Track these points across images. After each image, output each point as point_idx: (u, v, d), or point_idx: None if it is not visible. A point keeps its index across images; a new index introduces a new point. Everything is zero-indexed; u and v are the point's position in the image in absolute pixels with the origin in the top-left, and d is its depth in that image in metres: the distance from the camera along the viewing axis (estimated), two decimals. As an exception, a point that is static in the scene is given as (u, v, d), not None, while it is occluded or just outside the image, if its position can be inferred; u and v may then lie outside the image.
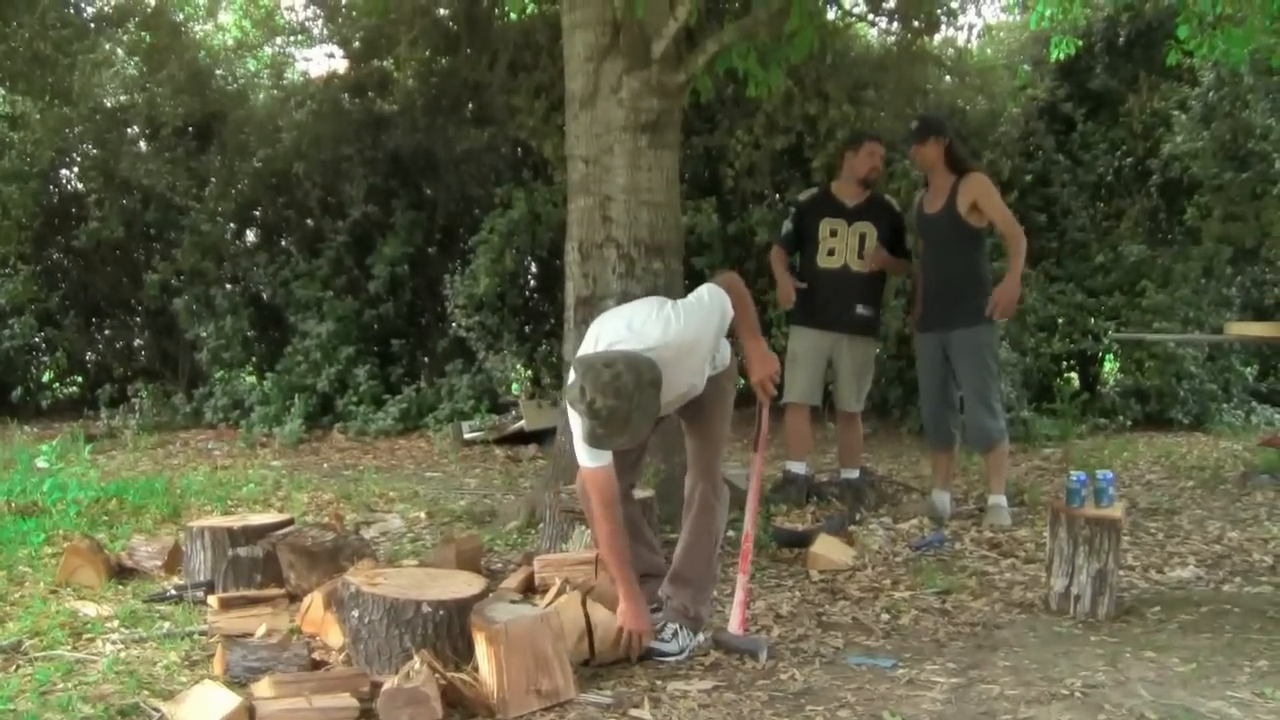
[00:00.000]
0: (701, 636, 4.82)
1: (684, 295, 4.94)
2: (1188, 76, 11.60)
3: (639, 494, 5.70)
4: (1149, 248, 11.90)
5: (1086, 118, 12.07)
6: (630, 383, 4.24)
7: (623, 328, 4.63)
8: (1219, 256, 11.65)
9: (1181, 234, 12.25)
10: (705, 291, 4.73)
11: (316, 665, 4.45)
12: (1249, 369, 12.35)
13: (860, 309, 7.71)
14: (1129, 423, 11.48)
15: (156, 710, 4.05)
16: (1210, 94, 11.47)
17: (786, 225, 7.96)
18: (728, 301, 4.68)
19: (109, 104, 13.61)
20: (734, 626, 4.88)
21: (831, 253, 7.66)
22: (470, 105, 12.91)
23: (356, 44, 13.06)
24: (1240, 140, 11.40)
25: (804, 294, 7.75)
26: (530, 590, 5.48)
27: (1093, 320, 11.73)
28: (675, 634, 4.75)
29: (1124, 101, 12.03)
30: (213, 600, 5.23)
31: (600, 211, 6.96)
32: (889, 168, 10.82)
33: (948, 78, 12.69)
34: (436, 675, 4.01)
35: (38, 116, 13.34)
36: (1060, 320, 11.66)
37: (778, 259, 7.93)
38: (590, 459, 4.59)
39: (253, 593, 5.29)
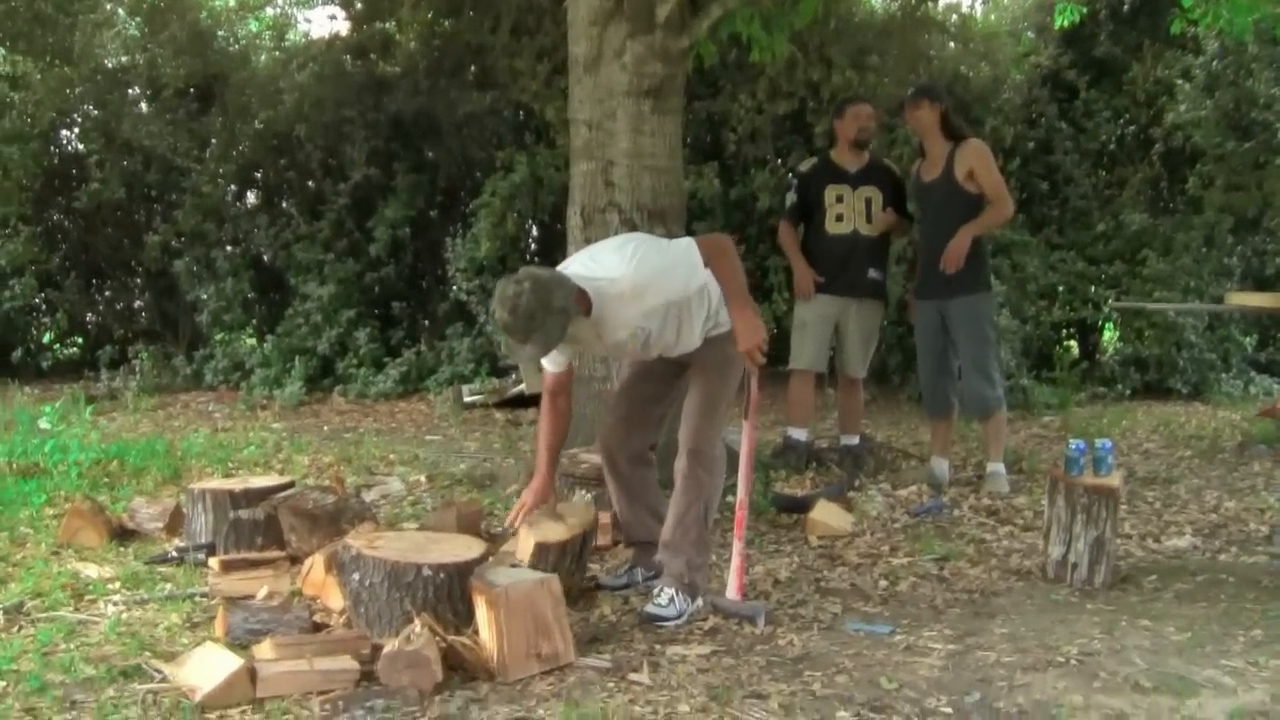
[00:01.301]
0: (699, 601, 4.84)
1: None
2: (1191, 45, 11.56)
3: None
4: (1150, 216, 11.89)
5: (1090, 85, 12.02)
6: (530, 303, 4.37)
7: (586, 256, 4.85)
8: (1220, 226, 11.64)
9: (1183, 203, 12.23)
10: (682, 241, 4.77)
11: (317, 628, 4.48)
12: (1249, 339, 12.36)
13: (872, 272, 7.73)
14: (1128, 391, 11.49)
15: (159, 671, 4.08)
16: (1214, 63, 11.44)
17: (791, 197, 7.95)
18: (698, 257, 4.67)
19: (110, 64, 13.55)
20: (731, 592, 4.91)
21: (840, 218, 7.66)
22: (472, 68, 12.85)
23: (359, 5, 13.00)
24: (1243, 110, 11.37)
25: (813, 261, 7.75)
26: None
27: (1093, 288, 11.72)
28: (672, 599, 4.77)
29: (1128, 70, 11.99)
30: (214, 562, 5.26)
31: (603, 176, 6.95)
32: (890, 134, 10.83)
33: (951, 44, 12.66)
34: (437, 638, 4.04)
35: (38, 77, 13.29)
36: (1061, 288, 11.66)
37: (788, 239, 7.91)
38: (506, 352, 4.79)
39: (254, 555, 5.31)
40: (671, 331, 4.81)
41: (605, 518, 5.71)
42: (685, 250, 4.70)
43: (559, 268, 4.79)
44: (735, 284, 4.75)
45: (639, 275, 4.60)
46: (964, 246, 7.16)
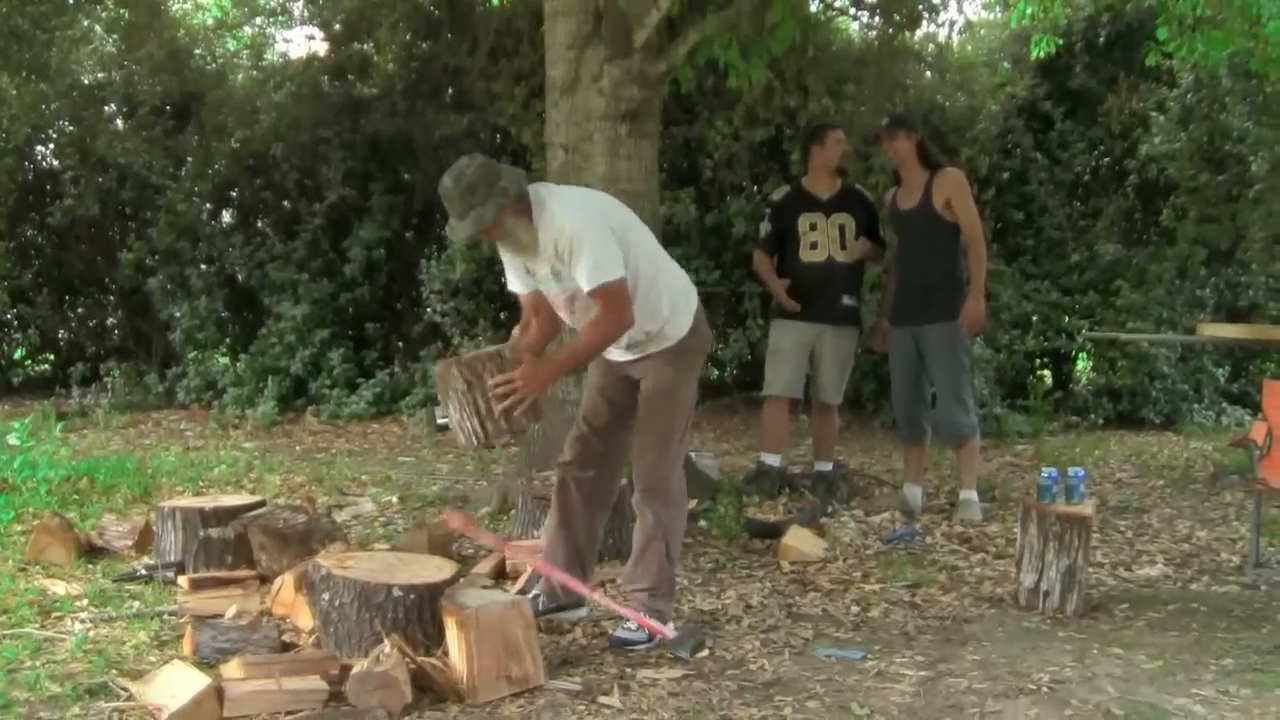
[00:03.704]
0: (670, 627, 4.80)
1: None
2: (1166, 78, 11.62)
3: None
4: (1124, 247, 11.93)
5: (1065, 116, 12.06)
6: (472, 178, 4.47)
7: (560, 187, 4.94)
8: (1194, 258, 11.68)
9: (1157, 234, 12.28)
10: (578, 237, 4.51)
11: (286, 647, 4.47)
12: (1221, 370, 12.38)
13: (846, 299, 7.74)
14: (1101, 421, 11.50)
15: (125, 690, 4.05)
16: (1188, 96, 11.51)
17: (765, 226, 7.97)
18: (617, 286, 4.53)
19: (86, 81, 13.55)
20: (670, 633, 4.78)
21: (814, 246, 7.67)
22: (450, 90, 12.86)
23: (337, 26, 12.99)
24: (1217, 143, 11.43)
25: (788, 289, 7.75)
26: (501, 576, 5.51)
27: (1067, 318, 11.73)
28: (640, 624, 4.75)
29: (1103, 101, 12.04)
30: (183, 581, 5.24)
31: (578, 199, 6.95)
32: (866, 162, 10.85)
33: (928, 73, 12.70)
34: (406, 659, 4.02)
35: (14, 92, 13.24)
36: (1034, 318, 11.68)
37: (764, 266, 7.91)
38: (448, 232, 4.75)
39: (223, 574, 5.30)
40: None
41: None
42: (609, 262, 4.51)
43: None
44: (578, 348, 4.72)
45: (576, 225, 4.53)
46: (982, 310, 7.26)
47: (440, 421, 10.76)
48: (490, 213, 4.44)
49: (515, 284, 4.89)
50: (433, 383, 11.50)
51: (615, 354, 4.83)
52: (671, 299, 4.79)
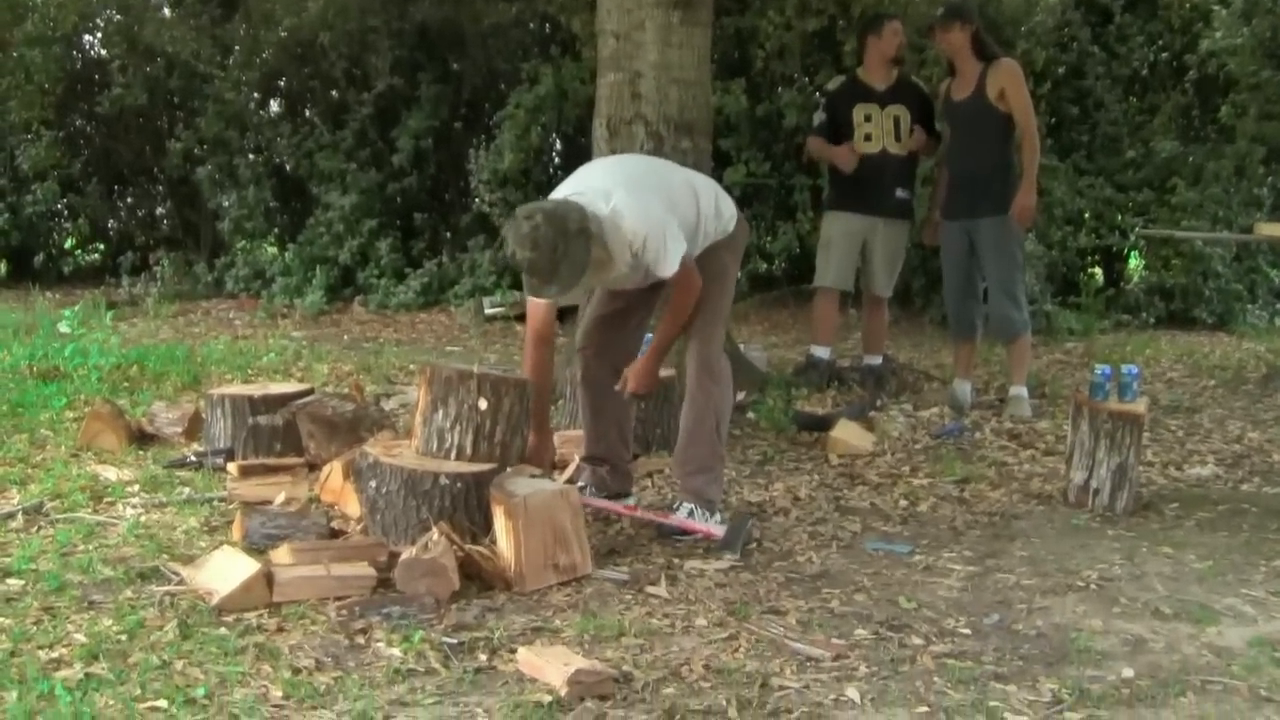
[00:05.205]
0: (719, 517, 4.80)
1: (708, 176, 4.98)
2: (1230, -29, 11.39)
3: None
4: (1181, 144, 11.73)
5: (1124, 10, 11.82)
6: (550, 235, 4.26)
7: (582, 181, 4.81)
8: (1252, 156, 11.47)
9: (1215, 132, 12.06)
10: (650, 236, 4.47)
11: (335, 534, 4.48)
12: (1276, 271, 12.21)
13: (899, 192, 7.66)
14: (1152, 320, 11.39)
15: (176, 574, 4.08)
16: (1252, -11, 11.27)
17: (819, 116, 7.88)
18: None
19: (133, -33, 13.50)
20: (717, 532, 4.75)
21: (868, 137, 7.57)
22: (499, -22, 12.75)
23: (386, -88, 12.88)
24: (1280, 38, 11.22)
25: (841, 179, 7.69)
26: (550, 465, 5.50)
27: (1120, 216, 11.60)
28: (690, 514, 4.74)
29: (1163, -6, 11.82)
30: (232, 467, 5.28)
31: (630, 88, 6.86)
32: (920, 54, 10.68)
33: (984, -36, 12.48)
34: (454, 547, 4.03)
35: (62, -20, 13.24)
36: (1087, 214, 11.53)
37: (816, 144, 7.84)
38: (530, 295, 4.63)
39: (272, 461, 5.33)
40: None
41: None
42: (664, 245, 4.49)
43: (557, 193, 4.71)
44: (668, 332, 4.75)
45: (606, 233, 4.46)
46: (1033, 201, 7.14)
47: (489, 311, 10.80)
48: (582, 255, 4.34)
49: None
50: (480, 272, 11.53)
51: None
52: (714, 204, 4.87)
